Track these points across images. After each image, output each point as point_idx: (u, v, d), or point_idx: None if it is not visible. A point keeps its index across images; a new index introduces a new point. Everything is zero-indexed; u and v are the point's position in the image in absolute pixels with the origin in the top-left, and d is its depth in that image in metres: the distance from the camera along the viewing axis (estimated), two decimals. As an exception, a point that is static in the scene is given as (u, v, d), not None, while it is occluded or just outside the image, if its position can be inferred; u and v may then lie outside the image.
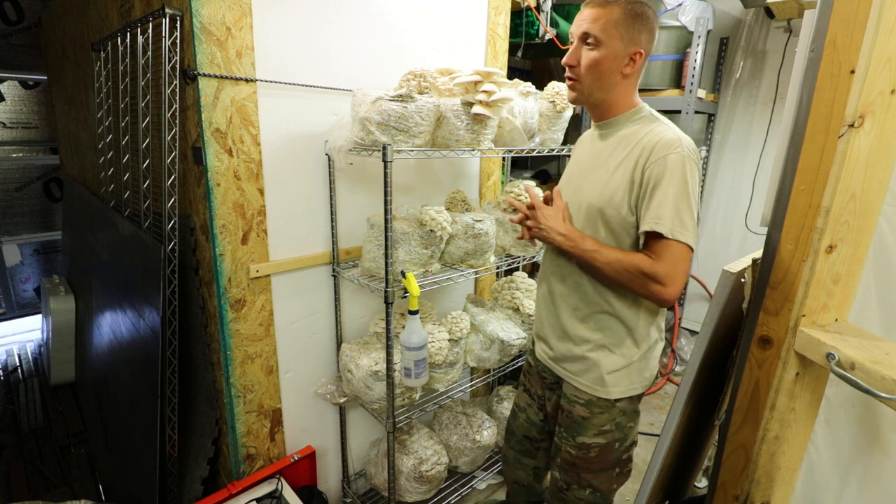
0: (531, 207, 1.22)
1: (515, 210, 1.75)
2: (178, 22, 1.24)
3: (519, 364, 2.01)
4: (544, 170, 3.44)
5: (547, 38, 2.34)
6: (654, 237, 1.03)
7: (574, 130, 2.86)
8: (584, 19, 1.08)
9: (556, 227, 1.15)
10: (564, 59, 1.12)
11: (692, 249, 1.02)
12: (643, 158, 1.05)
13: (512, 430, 1.50)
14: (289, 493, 1.49)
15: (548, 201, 1.28)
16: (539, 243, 1.63)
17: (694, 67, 2.51)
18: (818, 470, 0.89)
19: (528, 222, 1.22)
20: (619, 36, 1.06)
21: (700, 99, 2.59)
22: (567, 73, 1.13)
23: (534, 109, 1.72)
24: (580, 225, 1.17)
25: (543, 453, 1.46)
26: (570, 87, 1.15)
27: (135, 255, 1.63)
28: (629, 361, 1.17)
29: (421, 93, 1.46)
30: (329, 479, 1.82)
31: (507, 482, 1.61)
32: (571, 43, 1.13)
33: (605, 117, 1.17)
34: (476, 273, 1.64)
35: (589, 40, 1.07)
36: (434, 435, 1.83)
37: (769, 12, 2.59)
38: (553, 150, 1.82)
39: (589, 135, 1.28)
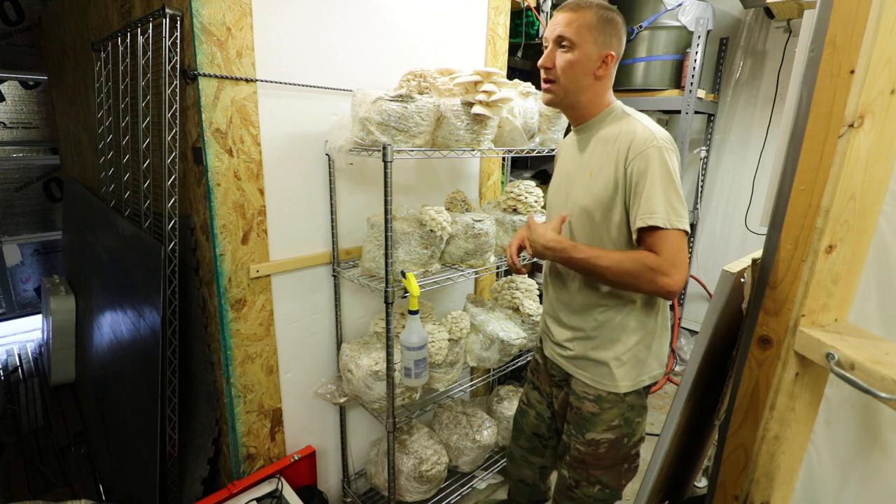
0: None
1: (515, 210, 1.78)
2: (178, 22, 1.24)
3: (519, 364, 2.01)
4: (544, 170, 3.44)
5: (547, 38, 2.34)
6: (649, 231, 1.03)
7: (574, 130, 2.86)
8: (557, 23, 1.11)
9: (538, 241, 1.15)
10: (540, 62, 1.15)
11: (688, 234, 1.05)
12: (622, 157, 1.07)
13: (520, 427, 1.50)
14: (289, 492, 1.49)
15: None
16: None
17: (694, 67, 2.51)
18: (818, 470, 0.89)
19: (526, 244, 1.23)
20: (593, 39, 1.10)
21: (700, 99, 2.59)
22: (543, 76, 1.16)
23: (534, 109, 1.72)
24: (575, 228, 1.18)
25: (551, 451, 1.46)
26: (546, 90, 1.17)
27: (135, 255, 1.63)
28: (636, 354, 1.19)
29: (421, 93, 1.46)
30: (329, 478, 1.82)
31: (511, 480, 1.61)
32: (545, 47, 1.15)
33: (582, 120, 1.20)
34: (476, 273, 1.64)
35: (564, 43, 1.11)
36: (434, 435, 1.83)
37: (769, 12, 2.59)
38: (553, 149, 1.82)
39: (570, 140, 1.29)
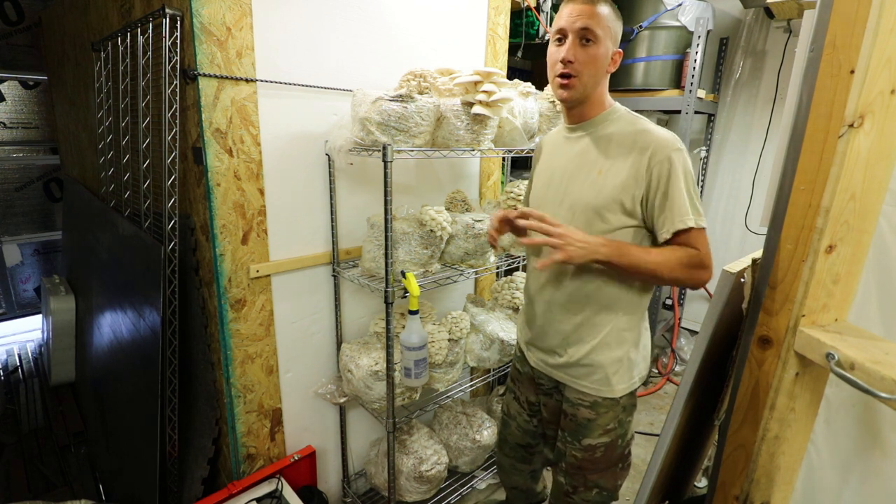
0: (553, 227, 1.06)
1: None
2: (179, 22, 1.24)
3: (519, 364, 2.01)
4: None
5: (547, 38, 2.34)
6: (685, 231, 1.04)
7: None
8: (578, 15, 1.06)
9: (595, 242, 1.03)
10: (564, 56, 1.07)
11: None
12: (645, 158, 1.06)
13: (504, 438, 1.49)
14: (289, 492, 1.49)
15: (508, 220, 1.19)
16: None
17: (694, 67, 2.51)
18: (818, 470, 0.89)
19: (556, 242, 1.03)
20: (610, 34, 1.08)
21: (700, 99, 2.59)
22: (563, 70, 1.08)
23: (534, 109, 1.72)
24: (575, 227, 1.13)
25: (538, 456, 1.46)
26: (567, 86, 1.09)
27: (135, 255, 1.63)
28: (629, 357, 1.19)
29: (421, 93, 1.46)
30: (329, 478, 1.82)
31: (505, 488, 1.61)
32: (560, 39, 1.09)
33: (584, 118, 1.17)
34: (476, 273, 1.64)
35: (588, 36, 1.06)
36: (434, 435, 1.83)
37: (769, 12, 2.59)
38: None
39: (559, 138, 1.26)
